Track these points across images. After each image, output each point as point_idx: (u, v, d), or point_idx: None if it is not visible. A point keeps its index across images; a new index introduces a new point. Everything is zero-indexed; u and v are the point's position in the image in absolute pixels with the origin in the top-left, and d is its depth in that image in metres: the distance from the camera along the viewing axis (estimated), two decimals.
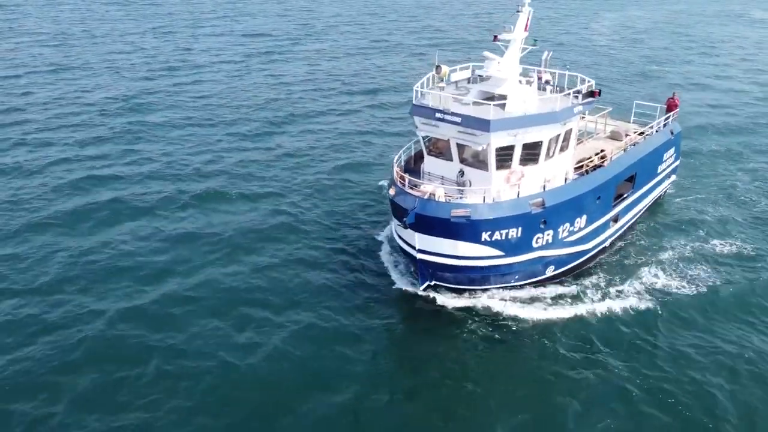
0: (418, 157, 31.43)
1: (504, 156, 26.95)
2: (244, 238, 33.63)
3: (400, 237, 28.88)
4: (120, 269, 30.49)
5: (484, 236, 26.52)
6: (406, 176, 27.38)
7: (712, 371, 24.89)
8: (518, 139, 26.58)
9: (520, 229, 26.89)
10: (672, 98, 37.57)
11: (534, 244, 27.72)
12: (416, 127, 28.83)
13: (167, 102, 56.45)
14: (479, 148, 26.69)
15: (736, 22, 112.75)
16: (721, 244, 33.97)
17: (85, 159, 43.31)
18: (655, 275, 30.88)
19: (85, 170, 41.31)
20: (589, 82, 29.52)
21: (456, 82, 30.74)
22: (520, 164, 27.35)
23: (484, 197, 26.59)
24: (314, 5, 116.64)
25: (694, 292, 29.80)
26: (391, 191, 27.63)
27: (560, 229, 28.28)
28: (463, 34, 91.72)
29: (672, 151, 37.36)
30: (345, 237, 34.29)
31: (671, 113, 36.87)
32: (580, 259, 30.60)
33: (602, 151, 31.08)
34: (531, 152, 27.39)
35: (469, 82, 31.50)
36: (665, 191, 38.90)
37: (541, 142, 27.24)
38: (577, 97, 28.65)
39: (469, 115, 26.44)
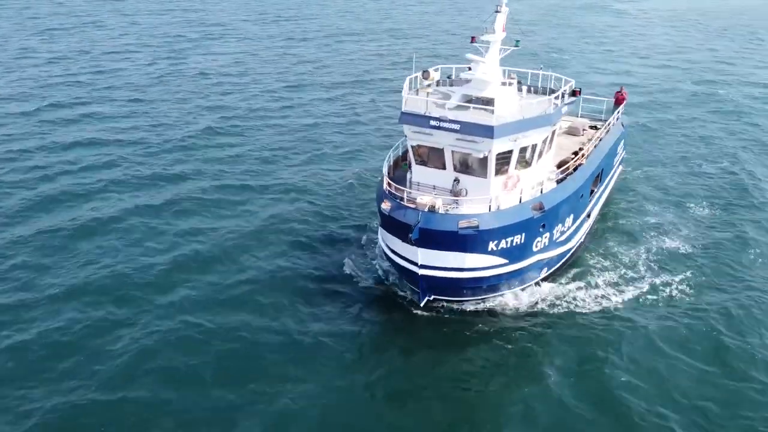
0: (396, 165, 30.17)
1: (501, 161, 26.24)
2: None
3: (394, 252, 27.37)
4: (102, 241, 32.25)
5: (491, 246, 25.71)
6: (405, 189, 25.98)
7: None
8: (517, 143, 25.98)
9: (523, 235, 26.32)
10: (620, 92, 38.61)
11: (534, 249, 27.28)
12: (405, 136, 27.48)
13: (97, 100, 54.81)
14: (480, 156, 25.77)
15: (606, 12, 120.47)
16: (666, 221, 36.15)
17: (19, 158, 42.20)
18: (635, 263, 31.67)
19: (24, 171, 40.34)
20: (569, 81, 29.43)
21: (428, 85, 29.64)
22: (515, 168, 26.80)
23: (489, 206, 25.75)
24: (203, 4, 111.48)
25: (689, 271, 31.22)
26: (385, 205, 26.07)
27: (555, 231, 28.06)
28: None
29: (623, 143, 38.44)
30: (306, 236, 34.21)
31: (621, 106, 37.85)
32: (565, 258, 30.63)
33: (580, 149, 31.21)
34: (524, 155, 26.91)
35: (438, 85, 30.55)
36: (615, 182, 40.01)
37: (536, 144, 26.83)
38: (561, 97, 28.45)
39: (468, 121, 25.40)
